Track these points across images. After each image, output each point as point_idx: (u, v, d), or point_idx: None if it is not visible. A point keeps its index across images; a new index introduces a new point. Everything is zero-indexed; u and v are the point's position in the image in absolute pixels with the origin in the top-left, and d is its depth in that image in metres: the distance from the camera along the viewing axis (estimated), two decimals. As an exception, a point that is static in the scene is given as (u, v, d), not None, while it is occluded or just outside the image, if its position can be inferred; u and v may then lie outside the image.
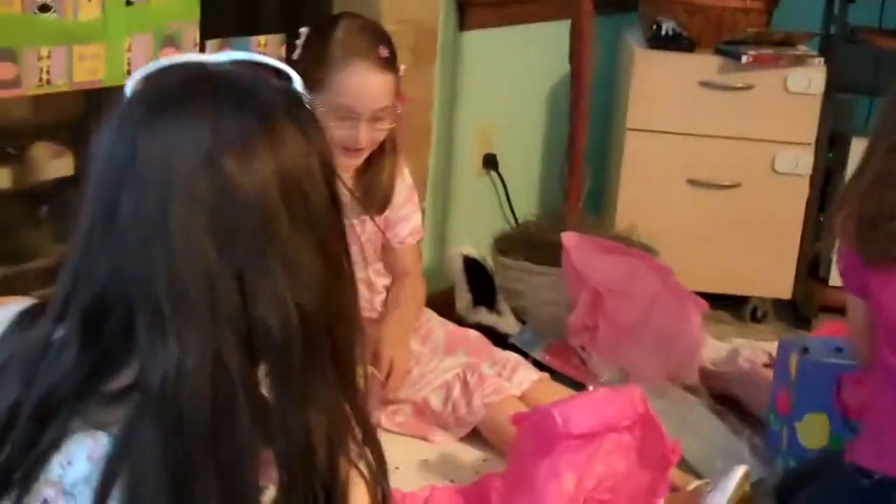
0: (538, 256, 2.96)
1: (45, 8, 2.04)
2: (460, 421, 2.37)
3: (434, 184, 3.10)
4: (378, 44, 2.30)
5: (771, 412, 2.59)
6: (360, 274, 2.42)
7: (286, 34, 2.62)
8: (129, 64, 2.24)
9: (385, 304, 2.48)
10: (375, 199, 2.40)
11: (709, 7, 3.38)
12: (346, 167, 2.33)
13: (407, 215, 2.50)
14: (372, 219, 2.39)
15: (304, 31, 2.35)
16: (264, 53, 2.54)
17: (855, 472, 2.01)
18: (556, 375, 2.62)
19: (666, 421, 2.32)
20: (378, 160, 2.39)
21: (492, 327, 2.82)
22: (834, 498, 2.05)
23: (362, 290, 2.44)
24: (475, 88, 3.17)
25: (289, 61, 2.32)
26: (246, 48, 2.52)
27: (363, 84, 2.26)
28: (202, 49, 2.38)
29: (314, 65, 2.25)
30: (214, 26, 2.42)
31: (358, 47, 2.27)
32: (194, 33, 2.36)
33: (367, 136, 2.28)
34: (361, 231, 2.42)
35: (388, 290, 2.51)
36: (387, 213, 2.45)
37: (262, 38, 2.57)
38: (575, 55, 3.07)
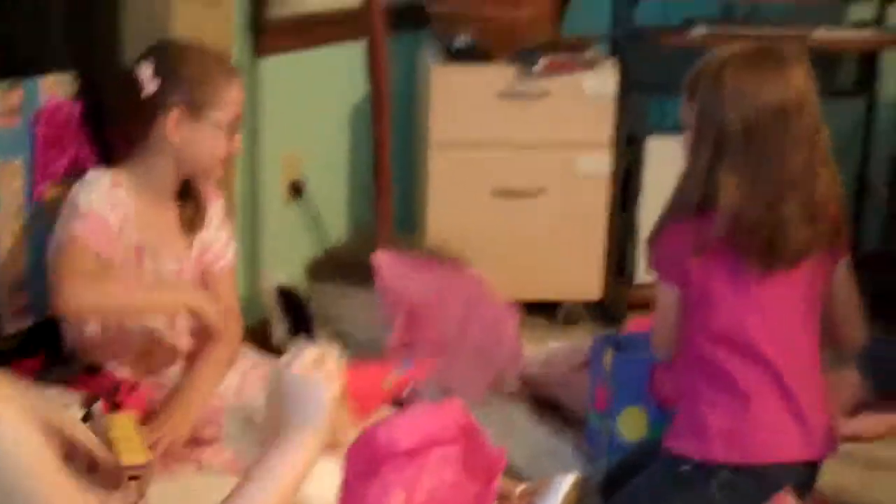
0: (352, 279, 2.96)
1: None
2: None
3: (242, 213, 3.06)
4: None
5: (591, 410, 2.65)
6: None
7: (76, 72, 2.57)
8: None
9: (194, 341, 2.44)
10: (197, 220, 2.42)
11: (500, 18, 3.44)
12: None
13: (223, 240, 2.48)
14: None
15: (145, 67, 2.31)
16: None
17: (674, 460, 2.07)
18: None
19: (491, 430, 2.34)
20: (189, 186, 2.42)
21: (311, 354, 2.79)
22: (656, 486, 2.11)
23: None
24: (277, 115, 3.15)
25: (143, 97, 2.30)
26: (35, 89, 2.46)
27: (242, 93, 2.36)
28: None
29: (204, 88, 2.29)
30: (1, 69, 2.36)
31: (228, 64, 2.38)
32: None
33: None
34: (185, 258, 2.40)
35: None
36: (205, 238, 2.44)
37: (51, 78, 2.50)
38: (372, 75, 3.08)
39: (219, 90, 2.31)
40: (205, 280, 2.46)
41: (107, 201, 2.29)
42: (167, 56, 2.36)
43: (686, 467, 2.06)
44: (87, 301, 2.24)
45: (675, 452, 2.08)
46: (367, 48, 3.07)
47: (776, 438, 2.05)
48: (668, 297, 2.14)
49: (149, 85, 2.31)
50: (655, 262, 2.15)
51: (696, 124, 2.05)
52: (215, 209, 2.48)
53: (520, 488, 2.29)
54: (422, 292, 2.76)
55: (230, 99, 2.33)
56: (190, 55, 2.35)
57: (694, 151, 2.06)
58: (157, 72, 2.31)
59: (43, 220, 2.51)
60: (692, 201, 2.03)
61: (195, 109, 2.30)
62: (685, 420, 2.11)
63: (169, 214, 2.41)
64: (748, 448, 2.04)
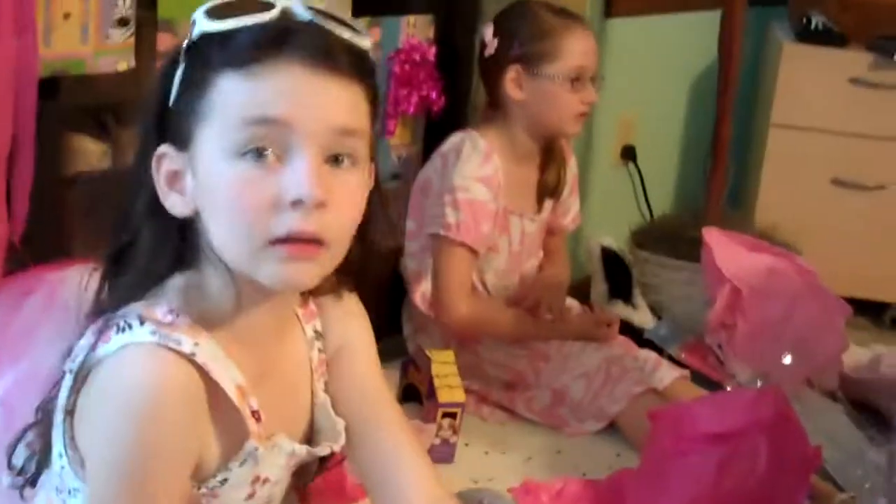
0: (675, 251, 2.92)
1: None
2: (600, 411, 2.34)
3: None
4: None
5: (913, 424, 2.51)
6: (525, 265, 2.47)
7: (433, 15, 2.63)
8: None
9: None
10: (554, 190, 2.47)
11: (863, 1, 3.28)
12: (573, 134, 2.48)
13: (571, 204, 2.58)
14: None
15: (487, 28, 2.42)
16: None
17: None
18: (691, 373, 2.57)
19: (804, 426, 2.26)
20: (554, 150, 2.48)
21: (627, 321, 2.78)
22: None
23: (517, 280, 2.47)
24: (619, 77, 3.12)
25: (487, 56, 2.42)
26: (396, 28, 2.53)
27: (589, 43, 2.40)
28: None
29: (538, 41, 2.35)
30: (365, 5, 2.44)
31: (570, 16, 2.41)
32: (346, 11, 2.37)
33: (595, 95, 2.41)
34: (532, 222, 2.45)
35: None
36: (557, 202, 2.52)
37: (411, 18, 2.58)
38: (724, 47, 3.00)
39: (555, 43, 2.35)
40: (549, 229, 2.52)
41: (481, 174, 2.33)
42: (507, 16, 2.42)
43: None
44: (472, 324, 2.35)
45: None
46: (722, 19, 3.00)
47: None
48: None
49: (490, 46, 2.37)
50: None
51: None
52: (570, 173, 2.53)
53: (838, 498, 2.20)
54: (748, 274, 2.68)
55: (568, 51, 2.35)
56: (528, 11, 2.40)
57: None
58: (497, 32, 2.39)
59: (388, 156, 2.60)
60: None
61: (531, 65, 2.35)
62: None
63: (531, 177, 2.45)
64: None
